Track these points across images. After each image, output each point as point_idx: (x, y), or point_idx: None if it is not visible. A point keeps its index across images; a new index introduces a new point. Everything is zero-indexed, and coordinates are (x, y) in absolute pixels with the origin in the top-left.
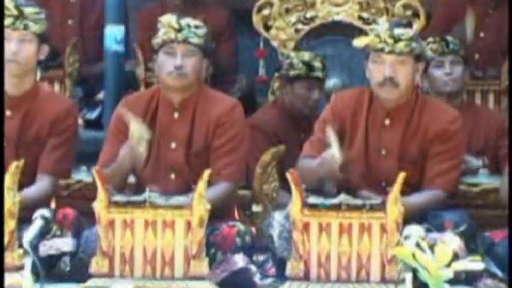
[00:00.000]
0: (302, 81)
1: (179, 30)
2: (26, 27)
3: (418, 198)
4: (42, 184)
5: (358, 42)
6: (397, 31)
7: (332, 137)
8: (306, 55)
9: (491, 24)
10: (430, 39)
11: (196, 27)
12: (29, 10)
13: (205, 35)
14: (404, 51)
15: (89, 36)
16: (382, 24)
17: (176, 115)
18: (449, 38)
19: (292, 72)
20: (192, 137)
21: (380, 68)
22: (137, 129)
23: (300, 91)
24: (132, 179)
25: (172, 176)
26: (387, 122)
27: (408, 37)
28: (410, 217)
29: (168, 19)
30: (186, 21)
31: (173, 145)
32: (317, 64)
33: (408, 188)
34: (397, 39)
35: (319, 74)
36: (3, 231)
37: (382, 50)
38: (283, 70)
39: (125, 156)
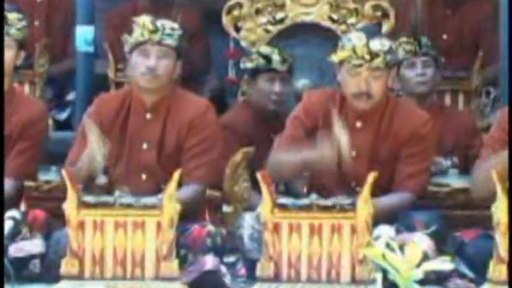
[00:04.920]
0: (262, 74)
1: (154, 31)
2: (7, 33)
3: (387, 200)
4: (5, 187)
5: (335, 57)
6: (374, 46)
7: (339, 131)
8: (264, 48)
9: (452, 26)
10: (403, 39)
11: (172, 29)
12: (12, 16)
13: (180, 37)
14: (381, 67)
15: (56, 37)
16: (359, 38)
17: (149, 116)
18: (422, 38)
19: (249, 65)
20: (164, 138)
21: (355, 81)
22: (95, 142)
23: (261, 85)
24: (103, 180)
25: (144, 176)
26: (358, 124)
27: (384, 52)
28: (381, 218)
29: (143, 20)
30: (161, 22)
31: (145, 146)
32: (275, 56)
33: (378, 191)
34: (374, 56)
35: (278, 66)
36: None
37: (359, 65)
38: (241, 64)
39: (82, 165)
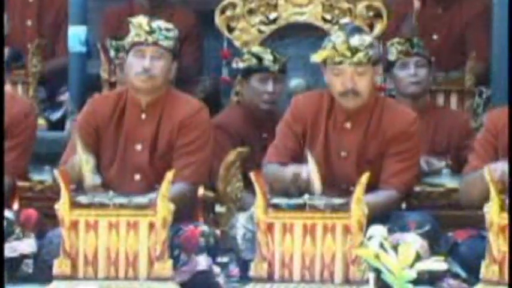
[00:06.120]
0: (255, 74)
1: (150, 32)
2: None
3: (371, 198)
4: None
5: (316, 57)
6: (354, 41)
7: (312, 167)
8: (256, 48)
9: (443, 26)
10: (396, 40)
11: (167, 30)
12: None
13: (175, 38)
14: (363, 62)
15: (48, 36)
16: (338, 36)
17: (143, 116)
18: (414, 39)
19: (241, 65)
20: (157, 139)
21: (340, 79)
22: (83, 159)
23: (254, 85)
24: (97, 180)
25: (137, 177)
26: (348, 125)
27: (365, 46)
28: (371, 217)
29: (139, 21)
30: (157, 23)
31: (139, 146)
32: (267, 56)
33: (367, 189)
34: (354, 51)
35: (270, 65)
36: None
37: (340, 62)
38: (234, 64)
39: (74, 165)
